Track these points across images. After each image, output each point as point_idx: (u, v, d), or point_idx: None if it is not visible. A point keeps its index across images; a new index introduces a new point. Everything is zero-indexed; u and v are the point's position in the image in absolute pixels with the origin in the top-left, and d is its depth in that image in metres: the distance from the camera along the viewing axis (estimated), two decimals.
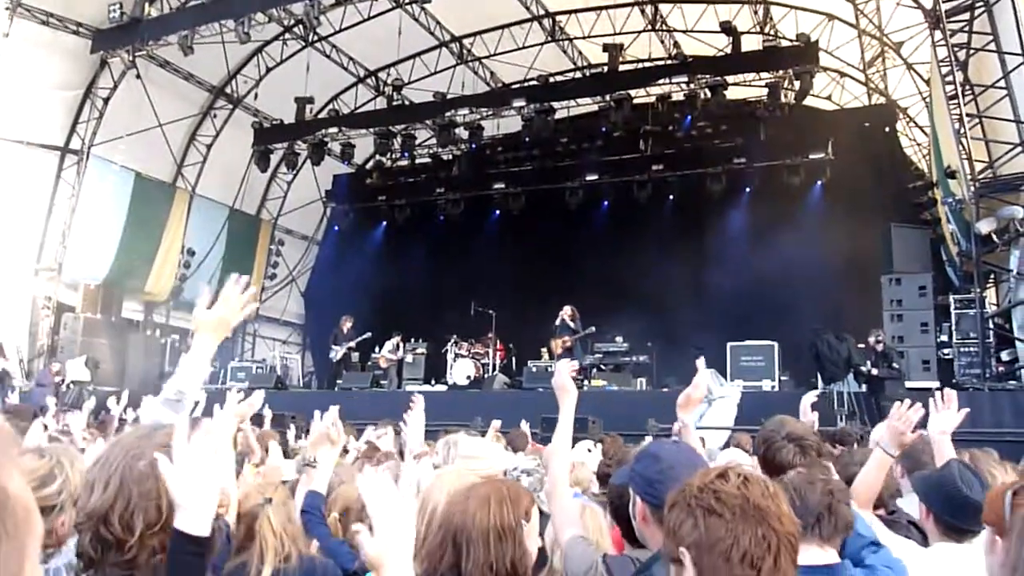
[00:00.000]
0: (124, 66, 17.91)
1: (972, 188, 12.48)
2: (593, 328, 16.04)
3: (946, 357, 13.61)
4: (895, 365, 12.22)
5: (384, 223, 23.11)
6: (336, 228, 24.07)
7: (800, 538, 1.83)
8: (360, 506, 3.72)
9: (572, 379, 3.07)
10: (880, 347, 12.91)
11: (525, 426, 8.32)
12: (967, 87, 12.60)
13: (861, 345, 13.59)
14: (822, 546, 2.44)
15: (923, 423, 3.46)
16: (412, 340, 18.75)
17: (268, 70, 20.59)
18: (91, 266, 19.07)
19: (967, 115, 12.53)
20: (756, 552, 1.70)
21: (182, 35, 16.28)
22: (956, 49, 12.46)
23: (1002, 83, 12.04)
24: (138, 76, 17.97)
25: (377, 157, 22.61)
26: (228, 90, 21.02)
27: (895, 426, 3.32)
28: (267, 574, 2.98)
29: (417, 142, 21.61)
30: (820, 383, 13.71)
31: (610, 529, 3.09)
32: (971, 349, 13.18)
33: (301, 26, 17.77)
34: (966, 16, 12.33)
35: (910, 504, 3.64)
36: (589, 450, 6.53)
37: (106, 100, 18.69)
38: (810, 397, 4.74)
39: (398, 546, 1.85)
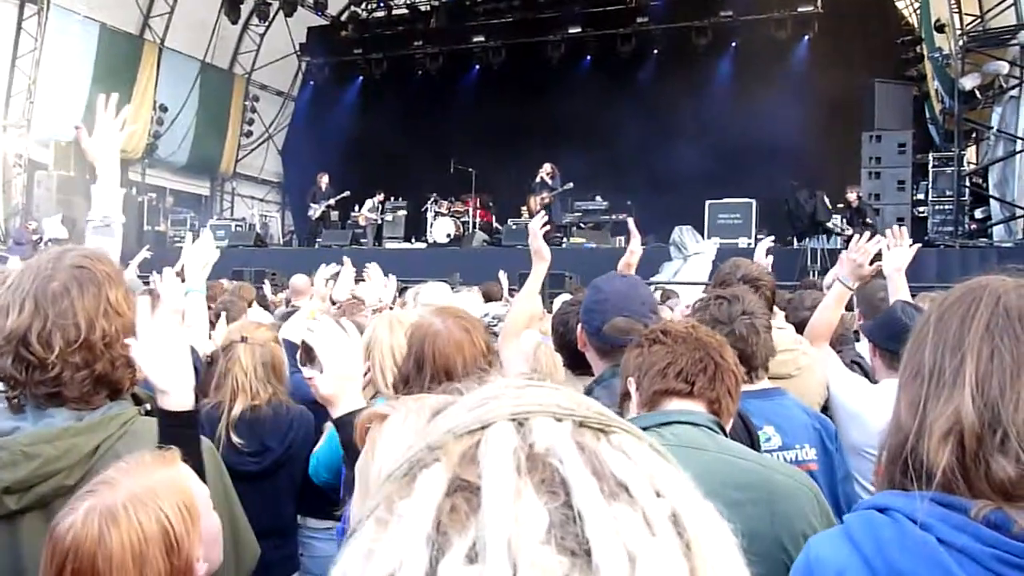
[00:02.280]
0: None
1: (959, 42, 12.23)
2: (571, 184, 15.96)
3: (921, 215, 13.72)
4: (868, 221, 12.32)
5: (361, 78, 22.50)
6: (312, 83, 23.45)
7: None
8: None
9: (550, 238, 3.16)
10: (856, 203, 13.01)
11: (503, 276, 8.43)
12: None
13: (840, 204, 13.68)
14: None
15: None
16: (391, 199, 18.65)
17: None
18: (61, 123, 18.58)
19: None
20: (691, 370, 1.80)
21: None
22: None
23: None
24: None
25: (352, 8, 21.74)
26: None
27: (853, 258, 3.30)
28: (236, 412, 3.07)
29: None
30: (795, 240, 13.91)
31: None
32: (946, 207, 13.28)
33: None
34: None
35: (864, 348, 3.74)
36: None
37: None
38: (765, 243, 4.69)
39: (347, 381, 1.94)
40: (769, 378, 2.68)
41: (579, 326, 2.53)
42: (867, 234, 3.30)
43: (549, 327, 3.28)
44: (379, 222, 18.05)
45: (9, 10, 17.71)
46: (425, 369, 2.23)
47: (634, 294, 2.44)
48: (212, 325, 4.79)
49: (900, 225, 3.62)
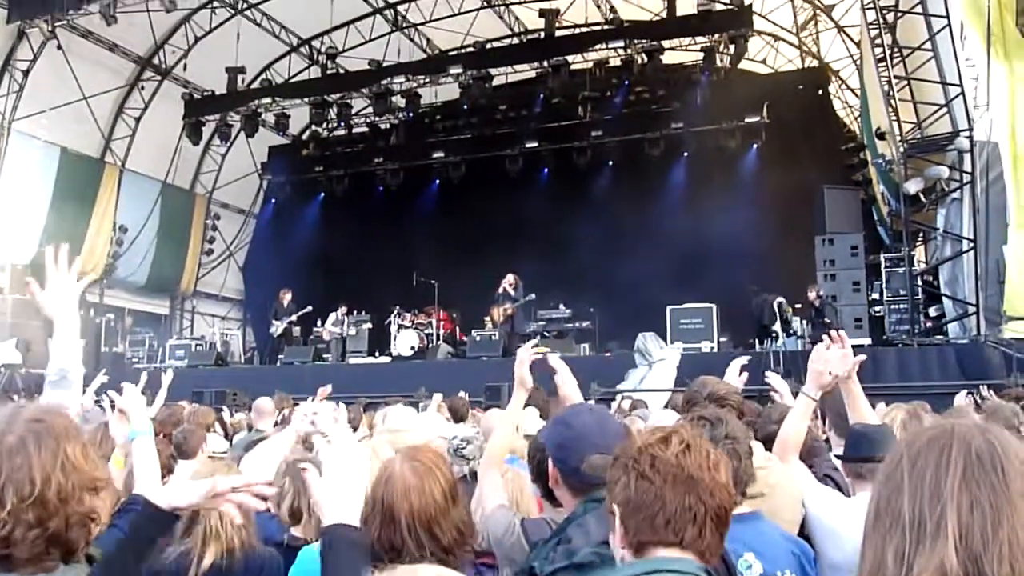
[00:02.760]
0: (43, 36, 17.23)
1: (900, 149, 12.76)
2: (533, 295, 16.08)
3: (877, 315, 13.97)
4: (827, 320, 12.53)
5: (322, 194, 22.74)
6: (273, 201, 23.63)
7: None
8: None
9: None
10: (818, 302, 13.27)
11: (464, 396, 8.34)
12: (895, 49, 12.82)
13: (798, 304, 13.93)
14: None
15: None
16: (354, 313, 18.60)
17: (197, 39, 19.98)
18: (17, 246, 18.46)
19: (895, 77, 12.77)
20: (680, 520, 1.71)
21: (104, 3, 15.69)
22: (884, 11, 12.66)
23: (928, 45, 12.28)
24: (59, 47, 17.34)
25: (313, 127, 22.20)
26: (156, 61, 20.39)
27: (816, 368, 3.28)
28: (207, 562, 2.90)
29: (353, 111, 21.27)
30: (757, 343, 14.06)
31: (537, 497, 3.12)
32: (901, 306, 13.54)
33: None
34: None
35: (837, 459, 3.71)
36: (540, 416, 6.51)
37: (26, 72, 17.99)
38: (739, 361, 4.65)
39: (343, 491, 1.83)
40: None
41: (550, 463, 2.42)
42: (827, 343, 3.26)
43: (523, 448, 3.21)
44: (342, 337, 17.93)
45: None
46: (375, 511, 2.18)
47: (606, 428, 2.34)
48: (174, 457, 4.63)
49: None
